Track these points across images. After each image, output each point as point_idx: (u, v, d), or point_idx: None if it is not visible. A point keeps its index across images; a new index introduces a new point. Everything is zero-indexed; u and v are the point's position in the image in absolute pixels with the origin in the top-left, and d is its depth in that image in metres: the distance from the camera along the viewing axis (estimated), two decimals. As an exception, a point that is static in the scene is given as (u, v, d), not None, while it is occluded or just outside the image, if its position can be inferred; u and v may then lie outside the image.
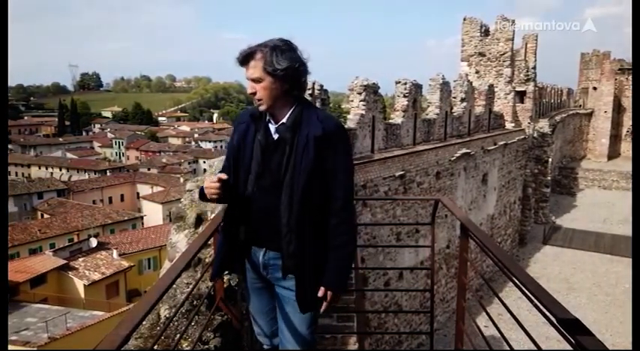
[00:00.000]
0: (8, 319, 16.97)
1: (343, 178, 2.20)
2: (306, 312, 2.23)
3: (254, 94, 2.16)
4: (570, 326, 1.41)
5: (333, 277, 2.19)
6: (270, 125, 2.25)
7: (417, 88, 15.07)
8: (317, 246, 2.18)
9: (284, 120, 2.20)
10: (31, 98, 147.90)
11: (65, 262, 25.63)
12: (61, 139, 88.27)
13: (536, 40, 25.48)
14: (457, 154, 16.68)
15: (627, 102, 44.86)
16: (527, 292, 1.71)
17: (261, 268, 2.31)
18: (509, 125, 22.89)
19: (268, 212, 2.21)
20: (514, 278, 1.89)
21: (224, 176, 2.17)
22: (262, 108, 2.18)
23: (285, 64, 2.09)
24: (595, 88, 44.80)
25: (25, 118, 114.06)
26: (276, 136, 2.22)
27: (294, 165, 2.15)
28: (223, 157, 4.41)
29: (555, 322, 1.47)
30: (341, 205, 2.18)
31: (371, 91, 13.06)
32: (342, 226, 2.20)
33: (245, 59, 2.14)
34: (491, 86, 21.11)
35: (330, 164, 2.16)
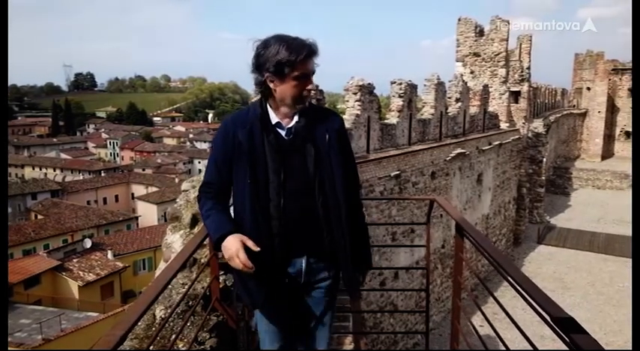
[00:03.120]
0: (2, 320, 16.88)
1: (354, 164, 2.33)
2: (355, 296, 2.42)
3: (310, 90, 2.12)
4: (565, 325, 1.41)
5: (369, 257, 2.42)
6: (278, 126, 2.16)
7: (412, 88, 15.11)
8: (352, 235, 2.24)
9: (296, 118, 2.14)
10: (25, 98, 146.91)
11: (59, 263, 25.50)
12: (55, 140, 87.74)
13: (530, 40, 25.61)
14: (452, 154, 16.73)
15: (621, 102, 45.17)
16: (521, 291, 1.72)
17: (302, 276, 2.20)
18: (503, 125, 22.98)
19: (303, 216, 2.12)
20: (509, 277, 1.90)
21: (254, 248, 1.98)
22: (305, 103, 2.14)
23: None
24: (589, 89, 45.08)
25: (19, 118, 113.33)
26: (288, 137, 2.14)
27: (323, 162, 2.13)
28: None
29: (550, 320, 1.48)
30: (357, 191, 2.32)
31: (366, 91, 13.08)
32: (361, 210, 2.39)
33: (314, 52, 2.08)
34: (485, 86, 21.19)
35: (347, 154, 2.27)
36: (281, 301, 2.22)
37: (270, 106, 2.16)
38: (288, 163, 2.11)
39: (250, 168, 2.08)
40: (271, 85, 2.10)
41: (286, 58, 2.01)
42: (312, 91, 2.15)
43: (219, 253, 2.19)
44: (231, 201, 2.27)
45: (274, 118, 2.15)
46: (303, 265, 2.18)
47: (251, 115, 2.16)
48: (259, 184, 2.09)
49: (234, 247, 1.97)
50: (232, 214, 2.21)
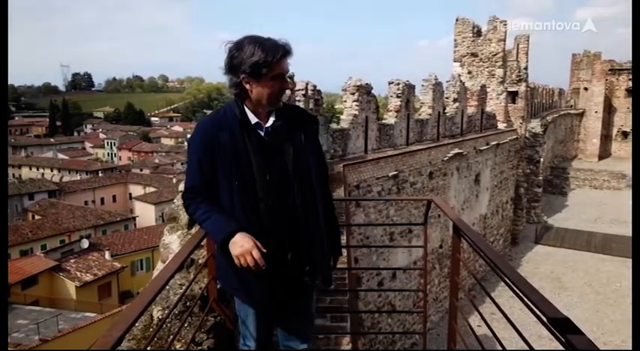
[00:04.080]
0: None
1: (325, 161, 2.42)
2: (329, 286, 2.45)
3: (285, 89, 2.16)
4: (560, 325, 1.42)
5: (340, 248, 2.59)
6: (257, 127, 2.18)
7: (409, 88, 15.12)
8: (327, 228, 2.34)
9: (272, 118, 2.18)
10: (22, 98, 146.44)
11: (57, 263, 25.43)
12: (52, 140, 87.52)
13: (527, 40, 25.65)
14: (450, 154, 16.75)
15: (618, 102, 45.30)
16: (518, 291, 1.73)
17: (288, 270, 2.25)
18: (501, 125, 23.02)
19: (286, 213, 2.17)
20: (505, 278, 1.90)
21: (263, 249, 2.03)
22: (277, 104, 2.18)
23: None
24: (586, 89, 45.19)
25: (16, 118, 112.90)
26: (268, 137, 2.17)
27: (300, 161, 2.18)
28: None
29: (546, 321, 1.49)
30: (327, 183, 2.40)
31: (364, 91, 13.09)
32: (332, 204, 2.48)
33: (289, 52, 2.11)
34: (483, 87, 21.23)
35: (319, 151, 2.36)
36: (278, 296, 2.27)
37: (247, 107, 2.17)
38: (270, 162, 2.15)
39: (236, 169, 2.10)
40: (247, 87, 2.11)
41: (263, 59, 2.02)
42: (288, 91, 2.18)
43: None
44: None
45: (253, 119, 2.17)
46: (289, 258, 2.23)
47: (229, 116, 2.16)
48: (247, 184, 2.11)
49: (248, 243, 2.01)
50: None
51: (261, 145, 2.14)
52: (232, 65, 2.08)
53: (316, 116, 2.34)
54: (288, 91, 2.16)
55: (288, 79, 2.15)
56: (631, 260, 20.83)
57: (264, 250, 2.02)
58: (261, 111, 2.17)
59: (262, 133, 2.17)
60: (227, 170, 2.12)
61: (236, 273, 2.20)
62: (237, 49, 2.06)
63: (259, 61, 2.02)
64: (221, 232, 2.08)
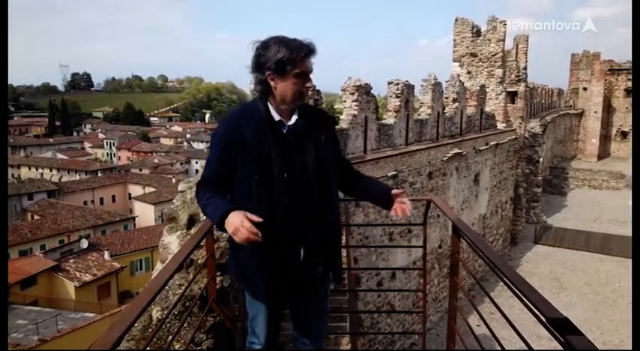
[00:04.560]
0: (-2, 321, 16.84)
1: (344, 157, 2.54)
2: (339, 282, 2.55)
3: (309, 87, 2.21)
4: (559, 325, 1.42)
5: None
6: (280, 124, 2.24)
7: (409, 88, 15.12)
8: (339, 231, 2.42)
9: (296, 116, 2.25)
10: (21, 98, 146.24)
11: (56, 263, 25.41)
12: (51, 140, 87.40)
13: (527, 40, 25.67)
14: (449, 154, 16.76)
15: (617, 102, 45.35)
16: (517, 291, 1.73)
17: (302, 267, 2.28)
18: (500, 125, 23.03)
19: (303, 210, 2.21)
20: (504, 278, 1.91)
21: (257, 219, 1.99)
22: (301, 102, 2.24)
23: None
24: (585, 89, 45.22)
25: (15, 118, 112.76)
26: (290, 135, 2.23)
27: (322, 161, 2.25)
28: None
29: (545, 321, 1.49)
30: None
31: (363, 91, 13.08)
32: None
33: (313, 51, 2.17)
34: (482, 87, 21.23)
35: (338, 149, 2.43)
36: (284, 290, 2.31)
37: (271, 105, 2.23)
38: (291, 159, 2.19)
39: (256, 164, 2.14)
40: (272, 84, 2.18)
41: (287, 56, 2.09)
42: (310, 91, 2.22)
43: (216, 254, 2.21)
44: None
45: (276, 116, 2.22)
46: (302, 256, 2.26)
47: (253, 112, 2.23)
48: (266, 179, 2.16)
49: (237, 218, 1.99)
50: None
51: (282, 142, 2.19)
52: (258, 63, 2.16)
53: (334, 117, 2.38)
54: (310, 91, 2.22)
55: (310, 77, 2.20)
56: (630, 260, 20.87)
57: (260, 220, 1.98)
58: (284, 109, 2.22)
59: (285, 131, 2.22)
60: (247, 165, 2.16)
61: (242, 265, 2.28)
62: (263, 47, 2.14)
63: (284, 58, 2.09)
64: (215, 214, 2.09)
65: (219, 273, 2.89)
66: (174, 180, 47.99)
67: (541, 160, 27.34)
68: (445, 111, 17.74)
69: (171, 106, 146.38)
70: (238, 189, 2.21)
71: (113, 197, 50.34)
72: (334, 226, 2.36)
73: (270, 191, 2.16)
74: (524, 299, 1.64)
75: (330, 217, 2.31)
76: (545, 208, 30.53)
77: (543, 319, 1.49)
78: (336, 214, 2.39)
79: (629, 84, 43.45)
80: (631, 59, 41.94)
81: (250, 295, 2.42)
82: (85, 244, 28.36)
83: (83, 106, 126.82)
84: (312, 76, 2.23)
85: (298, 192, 2.19)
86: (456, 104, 18.21)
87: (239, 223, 1.96)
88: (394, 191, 2.46)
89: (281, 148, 2.18)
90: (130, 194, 49.90)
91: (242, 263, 2.27)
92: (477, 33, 23.28)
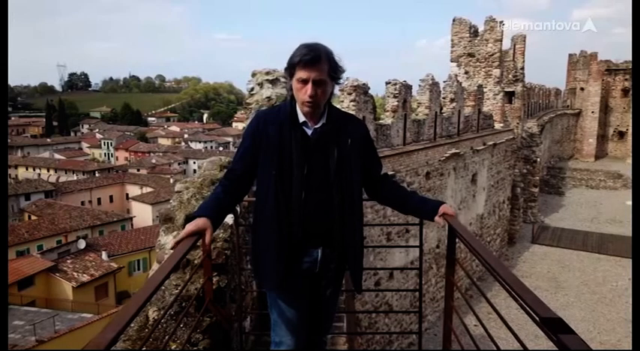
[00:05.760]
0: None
1: (380, 165, 2.56)
2: (359, 290, 2.55)
3: (313, 96, 2.18)
4: (553, 325, 1.43)
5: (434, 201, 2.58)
6: (304, 125, 2.29)
7: (406, 88, 15.14)
8: (361, 236, 2.44)
9: (323, 120, 2.29)
10: (18, 98, 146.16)
11: (53, 263, 25.36)
12: (48, 140, 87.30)
13: (524, 41, 25.74)
14: (447, 155, 16.78)
15: (614, 102, 45.49)
16: (511, 291, 1.74)
17: (317, 266, 2.35)
18: (498, 125, 23.07)
19: (320, 211, 2.26)
20: (499, 278, 1.91)
21: (207, 239, 2.19)
22: (312, 110, 2.24)
23: (342, 71, 2.25)
24: (582, 89, 45.35)
25: (12, 118, 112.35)
26: (314, 136, 2.28)
27: (343, 163, 2.27)
28: (214, 158, 4.38)
29: (538, 320, 1.49)
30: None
31: (361, 91, 13.09)
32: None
33: (315, 60, 2.14)
34: (480, 87, 21.26)
35: (372, 158, 2.47)
36: (296, 287, 2.37)
37: (298, 107, 2.30)
38: (312, 160, 2.25)
39: (277, 160, 2.22)
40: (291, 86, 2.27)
41: (290, 61, 2.18)
42: (309, 99, 2.19)
43: (213, 254, 2.23)
44: (253, 188, 2.47)
45: (301, 118, 2.28)
46: (319, 255, 2.32)
47: (281, 112, 2.31)
48: (284, 176, 2.22)
49: (191, 226, 2.14)
50: (253, 204, 2.45)
51: (304, 142, 2.25)
52: (286, 67, 2.24)
53: (364, 122, 2.44)
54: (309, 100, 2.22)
55: (312, 86, 2.16)
56: (627, 259, 20.93)
57: (208, 241, 2.17)
58: (305, 111, 2.26)
59: (309, 132, 2.28)
60: (268, 160, 2.24)
61: (258, 261, 2.38)
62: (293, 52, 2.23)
63: (290, 62, 2.18)
64: (195, 211, 2.27)
65: (215, 273, 2.89)
66: (171, 180, 47.88)
67: (538, 160, 27.42)
68: (443, 111, 17.76)
69: (169, 106, 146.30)
70: (259, 183, 2.32)
71: (111, 197, 50.26)
72: (354, 230, 2.37)
73: (288, 187, 2.22)
74: (519, 299, 1.65)
75: (351, 221, 2.33)
76: (543, 208, 30.62)
77: (537, 318, 1.50)
78: (358, 218, 2.39)
79: (626, 84, 43.61)
80: (628, 59, 42.04)
81: (263, 287, 2.51)
82: (82, 244, 28.29)
83: (80, 106, 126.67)
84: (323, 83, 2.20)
85: (317, 190, 2.24)
86: (454, 104, 18.24)
87: (186, 229, 2.13)
88: (446, 210, 2.48)
89: (302, 147, 2.24)
90: (127, 194, 49.82)
91: (258, 258, 2.36)
92: (475, 33, 23.33)
